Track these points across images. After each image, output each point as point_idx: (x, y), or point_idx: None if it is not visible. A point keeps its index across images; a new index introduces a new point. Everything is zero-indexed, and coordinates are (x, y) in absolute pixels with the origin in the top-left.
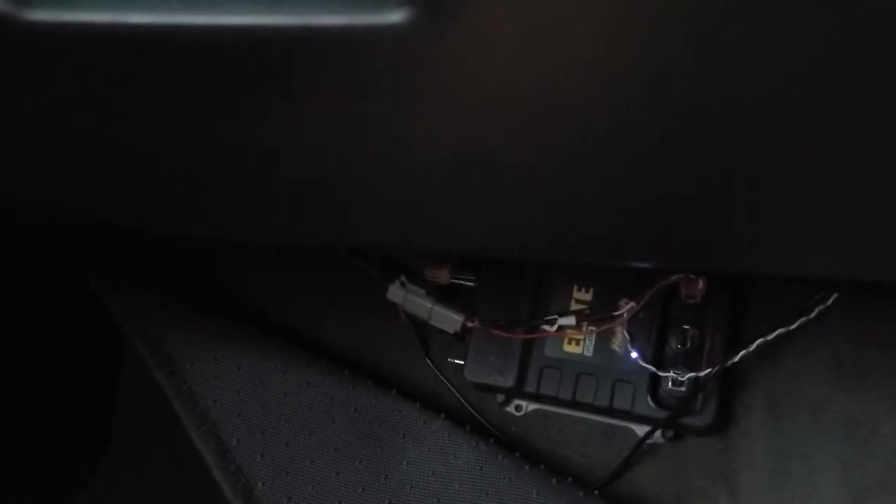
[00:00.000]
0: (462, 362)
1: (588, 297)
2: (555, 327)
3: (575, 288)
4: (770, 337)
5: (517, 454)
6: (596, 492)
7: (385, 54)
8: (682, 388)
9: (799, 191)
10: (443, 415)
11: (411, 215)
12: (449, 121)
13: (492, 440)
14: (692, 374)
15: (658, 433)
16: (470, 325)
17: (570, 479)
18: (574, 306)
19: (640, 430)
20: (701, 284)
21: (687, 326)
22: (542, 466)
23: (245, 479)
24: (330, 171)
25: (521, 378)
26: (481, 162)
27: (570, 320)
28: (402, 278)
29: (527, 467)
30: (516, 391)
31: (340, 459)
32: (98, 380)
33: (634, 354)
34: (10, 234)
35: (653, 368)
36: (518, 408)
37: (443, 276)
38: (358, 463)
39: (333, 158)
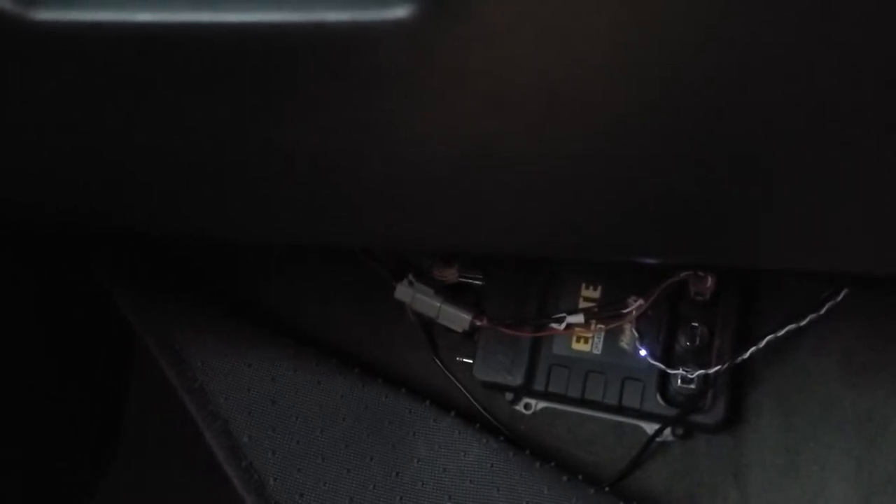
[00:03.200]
0: (470, 361)
1: (596, 294)
2: (563, 325)
3: (583, 286)
4: (780, 333)
5: (527, 452)
6: (606, 489)
7: (390, 51)
8: (692, 386)
9: (808, 185)
10: (453, 413)
11: (420, 213)
12: (456, 118)
13: (502, 438)
14: (702, 371)
15: (668, 431)
16: (478, 323)
17: (580, 477)
18: (582, 304)
19: (650, 427)
20: (710, 281)
21: (696, 324)
22: (553, 464)
23: (257, 476)
24: (338, 168)
25: (530, 376)
26: (490, 158)
27: (579, 318)
28: (410, 277)
29: (537, 464)
30: (525, 389)
31: (352, 457)
32: (108, 380)
33: (643, 352)
34: (20, 234)
35: (662, 366)
36: (527, 406)
37: (450, 275)
38: (369, 460)
39: (341, 155)
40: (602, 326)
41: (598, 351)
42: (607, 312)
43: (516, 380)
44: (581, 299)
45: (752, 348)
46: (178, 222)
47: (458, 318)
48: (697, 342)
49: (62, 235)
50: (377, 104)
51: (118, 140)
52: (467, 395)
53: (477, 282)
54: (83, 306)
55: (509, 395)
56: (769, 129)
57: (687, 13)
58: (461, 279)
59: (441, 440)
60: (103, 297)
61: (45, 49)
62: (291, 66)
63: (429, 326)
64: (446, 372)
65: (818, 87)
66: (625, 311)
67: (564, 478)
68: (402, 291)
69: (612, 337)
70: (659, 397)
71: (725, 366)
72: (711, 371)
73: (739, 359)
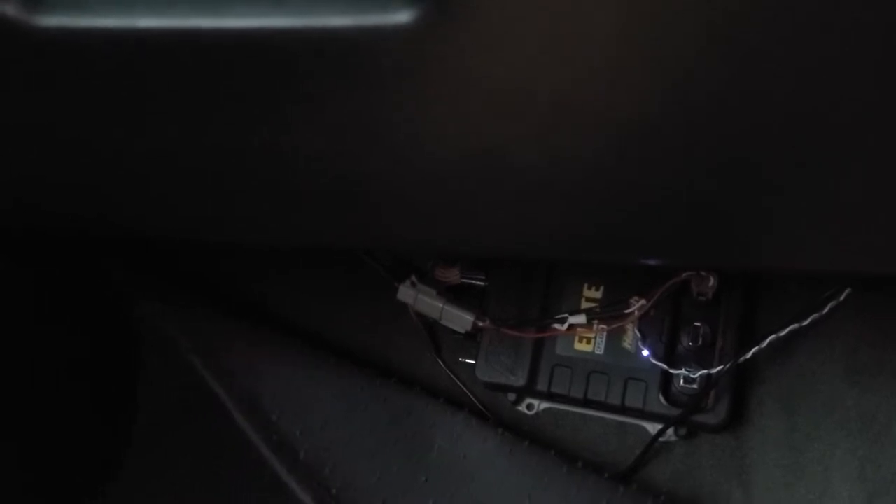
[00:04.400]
0: (473, 362)
1: (598, 295)
2: (565, 326)
3: (585, 286)
4: (782, 333)
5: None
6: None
7: (393, 55)
8: (694, 386)
9: (812, 186)
10: (466, 409)
11: (423, 217)
12: (460, 122)
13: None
14: (704, 371)
15: (671, 431)
16: (481, 324)
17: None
18: (584, 305)
19: (653, 427)
20: (712, 281)
21: (698, 324)
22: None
23: (288, 448)
24: (342, 172)
25: (533, 377)
26: (494, 162)
27: (581, 319)
28: (413, 278)
29: (552, 452)
30: (528, 390)
31: (375, 442)
32: (116, 381)
33: (646, 352)
34: (30, 236)
35: (664, 366)
36: (530, 407)
37: (453, 276)
38: (392, 445)
39: (345, 159)
40: (604, 327)
41: (600, 351)
42: (609, 313)
43: (519, 380)
44: (583, 300)
45: (755, 348)
46: (183, 227)
47: (460, 319)
48: (700, 342)
49: (73, 238)
50: (381, 108)
51: (123, 146)
52: (470, 395)
53: (479, 283)
54: (90, 306)
55: (512, 396)
56: (773, 132)
57: (692, 17)
58: (463, 280)
59: (459, 431)
60: (110, 297)
61: (50, 55)
62: (294, 70)
63: (431, 327)
64: (449, 373)
65: (823, 90)
66: (627, 311)
67: (580, 463)
68: (405, 293)
69: (614, 337)
70: (661, 397)
71: (728, 366)
72: (714, 371)
73: (742, 358)
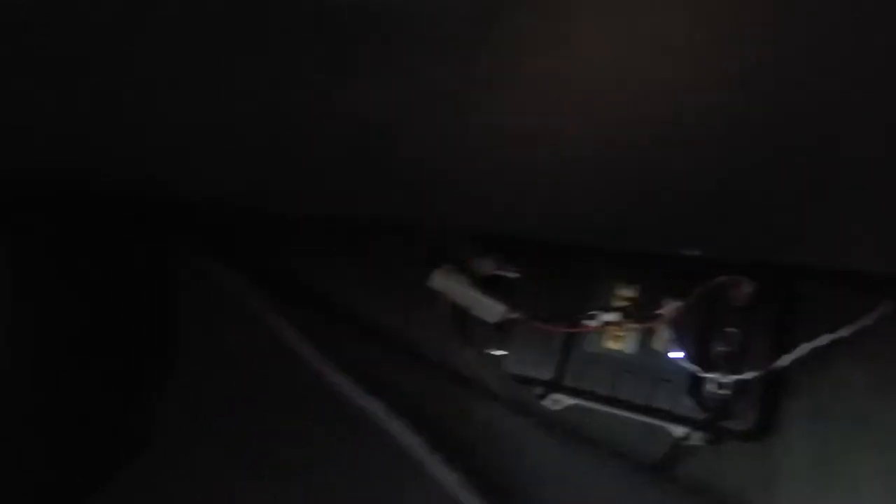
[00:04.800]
0: (502, 353)
1: (632, 294)
2: (597, 323)
3: (619, 285)
4: (816, 343)
5: None
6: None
7: (450, 23)
8: (724, 391)
9: (858, 185)
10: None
11: (464, 192)
12: (512, 97)
13: None
14: (735, 376)
15: (697, 435)
16: (512, 316)
17: None
18: (617, 303)
19: (679, 430)
20: (748, 287)
21: (732, 329)
22: None
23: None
24: (391, 138)
25: (561, 372)
26: (542, 142)
27: (614, 316)
28: (447, 266)
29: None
30: (555, 385)
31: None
32: (143, 370)
33: (677, 354)
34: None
35: (695, 369)
36: (556, 402)
37: (487, 266)
38: (433, 413)
39: (396, 125)
40: (636, 326)
41: (630, 350)
42: (642, 312)
43: (547, 374)
44: (616, 298)
45: (787, 356)
46: (226, 191)
47: (491, 310)
48: (732, 348)
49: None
50: (434, 76)
51: (168, 101)
52: (496, 387)
53: (512, 275)
54: (124, 296)
55: (539, 390)
56: (822, 130)
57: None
58: (497, 272)
59: (496, 413)
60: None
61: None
62: (344, 33)
63: (461, 316)
64: (476, 362)
65: (875, 90)
66: (660, 311)
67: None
68: (438, 280)
69: (645, 337)
70: (690, 401)
71: (759, 373)
72: (745, 377)
73: (774, 366)
